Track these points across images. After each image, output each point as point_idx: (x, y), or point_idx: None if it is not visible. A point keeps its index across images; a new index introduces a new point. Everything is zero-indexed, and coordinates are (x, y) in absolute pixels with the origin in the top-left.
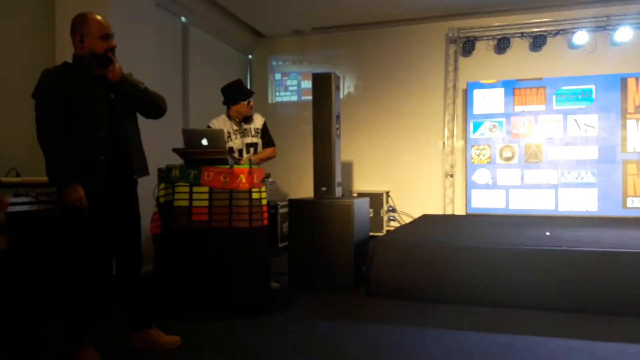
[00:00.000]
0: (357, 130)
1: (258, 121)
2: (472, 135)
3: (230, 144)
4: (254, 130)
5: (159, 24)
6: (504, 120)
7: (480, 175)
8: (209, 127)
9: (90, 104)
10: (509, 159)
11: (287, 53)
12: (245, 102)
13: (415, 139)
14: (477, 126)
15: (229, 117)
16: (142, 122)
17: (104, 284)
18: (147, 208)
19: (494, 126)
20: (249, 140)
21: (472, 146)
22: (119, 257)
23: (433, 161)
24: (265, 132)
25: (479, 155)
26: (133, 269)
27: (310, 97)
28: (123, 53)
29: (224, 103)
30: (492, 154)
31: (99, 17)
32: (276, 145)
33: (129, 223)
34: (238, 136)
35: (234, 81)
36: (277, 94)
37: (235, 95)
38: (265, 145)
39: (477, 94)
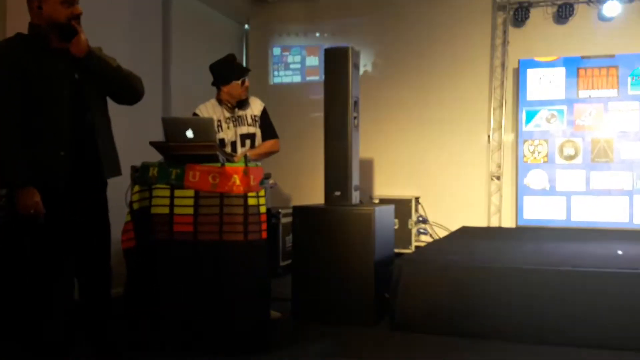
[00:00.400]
0: (379, 120)
1: (256, 106)
2: (524, 128)
3: (220, 135)
4: (251, 118)
5: None
6: (565, 108)
7: (535, 178)
8: (195, 114)
9: (49, 85)
10: (571, 157)
11: (292, 22)
12: (239, 82)
13: (452, 132)
14: (531, 116)
15: (220, 101)
16: (113, 108)
17: (64, 310)
18: (118, 216)
19: (553, 116)
20: (244, 130)
21: (525, 141)
22: (83, 276)
23: (475, 160)
24: (265, 121)
25: (533, 152)
26: (100, 291)
27: (314, 78)
28: (90, 22)
29: (214, 84)
30: (549, 151)
31: None
32: (279, 138)
33: (95, 235)
34: (230, 125)
35: (226, 56)
36: (276, 73)
37: (226, 73)
38: (265, 137)
39: (532, 74)
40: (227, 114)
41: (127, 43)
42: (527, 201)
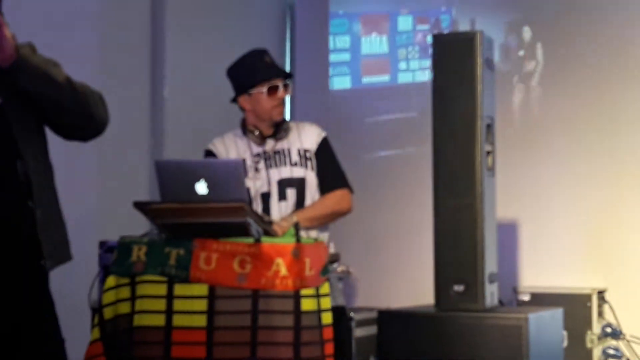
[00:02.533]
0: (529, 157)
1: (309, 136)
2: None
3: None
4: (298, 154)
5: None
6: None
7: None
8: (209, 153)
9: None
10: None
11: None
12: (264, 90)
13: None
14: None
15: (244, 130)
16: (66, 145)
17: None
18: (75, 330)
19: None
20: (285, 173)
21: None
22: None
23: None
24: (326, 160)
25: None
26: None
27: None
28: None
29: (233, 100)
30: None
31: None
32: (352, 189)
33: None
34: (262, 166)
35: (250, 52)
36: (339, 70)
37: (245, 77)
38: (325, 188)
39: None
40: (256, 149)
41: (89, 40)
42: None
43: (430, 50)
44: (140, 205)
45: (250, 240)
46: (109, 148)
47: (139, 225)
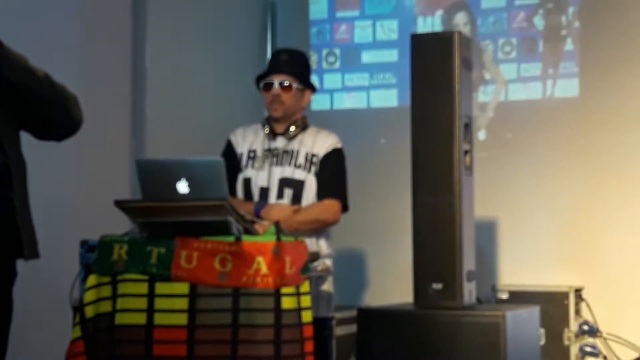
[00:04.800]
0: (507, 156)
1: (322, 142)
2: None
3: (247, 174)
4: (305, 157)
5: None
6: None
7: None
8: (228, 145)
9: None
10: None
11: None
12: (261, 85)
13: (636, 175)
14: None
15: (265, 123)
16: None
17: None
18: (57, 326)
19: None
20: (287, 172)
21: None
22: None
23: None
24: (327, 168)
25: None
26: None
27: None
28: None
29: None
30: None
31: None
32: (346, 201)
33: None
34: (266, 161)
35: (279, 48)
36: (324, 67)
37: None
38: (319, 195)
39: None
40: (268, 144)
41: (69, 34)
42: None
43: None
44: (121, 204)
45: (231, 238)
46: (90, 147)
47: (121, 224)
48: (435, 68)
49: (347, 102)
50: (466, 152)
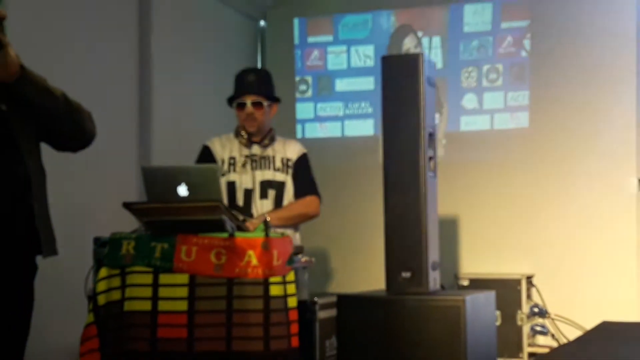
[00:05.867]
0: (466, 160)
1: (291, 148)
2: None
3: (231, 177)
4: (282, 162)
5: None
6: None
7: None
8: (205, 150)
9: None
10: None
11: (327, 13)
12: (235, 105)
13: (583, 174)
14: None
15: (238, 133)
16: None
17: None
18: (73, 314)
19: None
20: (268, 175)
21: None
22: None
23: (618, 217)
24: (302, 170)
25: None
26: None
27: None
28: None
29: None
30: None
31: None
32: (321, 196)
33: (9, 343)
34: (248, 166)
35: (240, 71)
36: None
37: (233, 92)
38: (298, 193)
39: None
40: (245, 150)
41: (84, 55)
42: None
43: None
44: (128, 206)
45: (225, 235)
46: (102, 156)
47: (128, 223)
48: (403, 85)
49: (320, 132)
50: (430, 158)
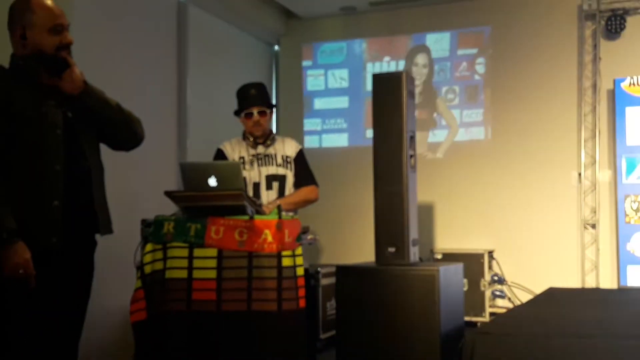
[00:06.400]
0: (439, 158)
1: (289, 146)
2: (625, 180)
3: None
4: (282, 158)
5: (141, 5)
6: None
7: None
8: (219, 151)
9: (39, 125)
10: None
11: (331, 40)
12: (243, 115)
13: (533, 169)
14: (632, 165)
15: (245, 137)
16: (119, 153)
17: None
18: (125, 280)
19: None
20: (271, 170)
21: (627, 196)
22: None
23: (563, 203)
24: (301, 164)
25: (637, 210)
26: None
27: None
28: (86, 52)
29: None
30: None
31: (48, 2)
32: (319, 185)
33: (75, 306)
34: (255, 164)
35: (243, 86)
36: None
37: (238, 102)
38: (300, 184)
39: (632, 113)
40: (252, 151)
41: (134, 73)
42: (632, 272)
43: None
44: (169, 194)
45: (246, 217)
46: (149, 155)
47: (169, 208)
48: (389, 97)
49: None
50: (411, 155)
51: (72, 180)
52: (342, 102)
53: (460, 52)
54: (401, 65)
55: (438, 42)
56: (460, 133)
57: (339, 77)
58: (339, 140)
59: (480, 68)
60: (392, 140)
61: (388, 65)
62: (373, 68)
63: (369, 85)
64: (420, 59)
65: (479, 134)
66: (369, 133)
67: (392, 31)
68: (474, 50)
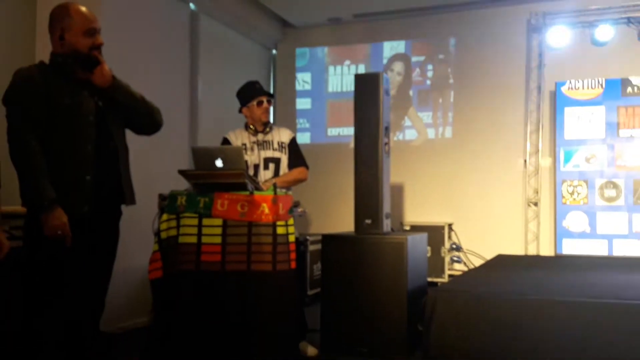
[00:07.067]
0: (410, 145)
1: (284, 134)
2: (562, 168)
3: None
4: (277, 144)
5: (161, 13)
6: (605, 147)
7: (575, 221)
8: (225, 139)
9: (74, 110)
10: (612, 199)
11: (321, 46)
12: (254, 103)
13: (487, 156)
14: (569, 155)
15: (246, 127)
16: (141, 138)
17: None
18: (145, 244)
19: (592, 155)
20: (269, 154)
21: (564, 181)
22: (75, 309)
23: (511, 185)
24: (293, 149)
25: (572, 194)
26: (92, 326)
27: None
28: (114, 51)
29: (240, 111)
30: (589, 192)
31: (83, 9)
32: (309, 167)
33: (102, 266)
34: (255, 149)
35: (247, 82)
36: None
37: (245, 95)
38: (293, 165)
39: (570, 112)
40: (253, 138)
41: (154, 70)
42: (567, 244)
43: None
44: (182, 172)
45: (247, 192)
46: (166, 139)
47: (182, 184)
48: (368, 94)
49: None
50: (386, 143)
51: (102, 158)
52: (306, 103)
53: (414, 59)
54: (361, 69)
55: (394, 49)
56: (410, 133)
57: (302, 80)
58: (302, 138)
59: (430, 73)
60: (370, 130)
61: (349, 68)
62: (334, 71)
63: (330, 87)
64: (397, 66)
65: (448, 132)
66: (330, 132)
67: (373, 39)
68: (422, 58)
